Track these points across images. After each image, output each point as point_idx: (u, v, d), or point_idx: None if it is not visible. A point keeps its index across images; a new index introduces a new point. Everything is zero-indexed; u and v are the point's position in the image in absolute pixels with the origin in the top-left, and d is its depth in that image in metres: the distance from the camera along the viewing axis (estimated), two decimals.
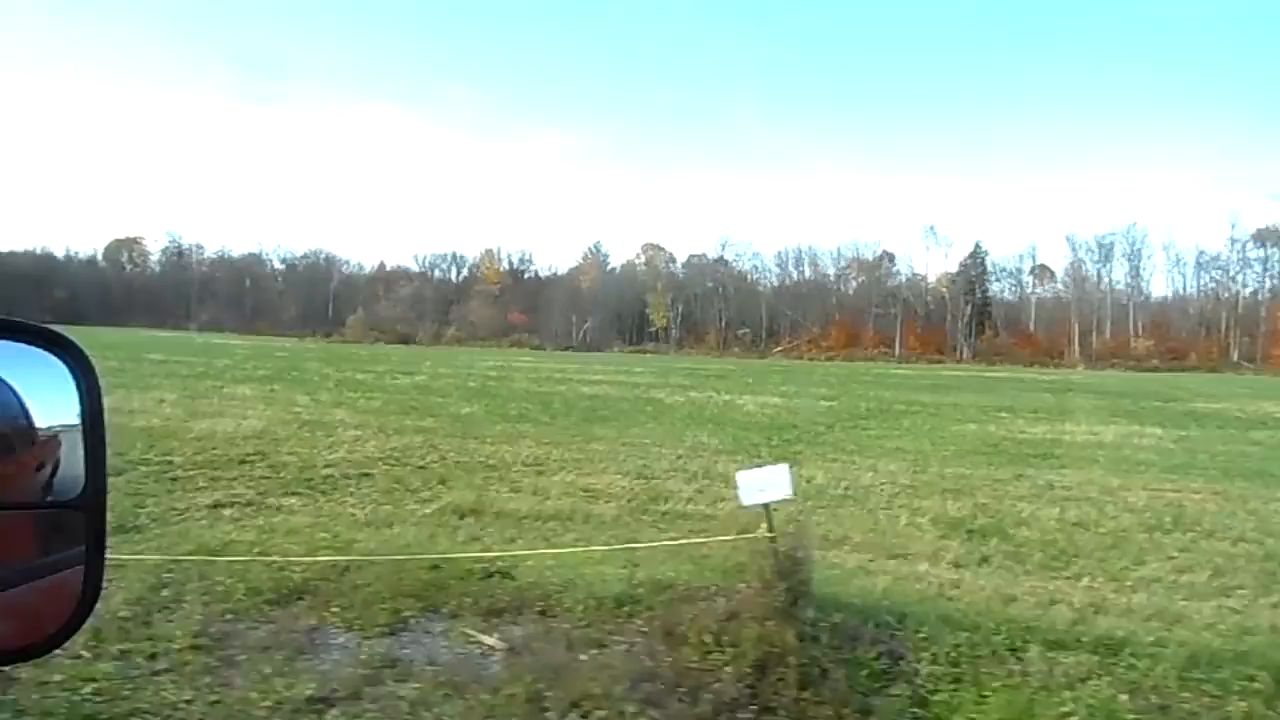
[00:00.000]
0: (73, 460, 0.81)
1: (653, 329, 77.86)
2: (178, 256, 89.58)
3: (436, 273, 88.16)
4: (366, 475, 8.85)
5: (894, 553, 6.61)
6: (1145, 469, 11.88)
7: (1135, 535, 7.52)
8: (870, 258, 79.46)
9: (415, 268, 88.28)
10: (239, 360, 31.07)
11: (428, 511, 7.08)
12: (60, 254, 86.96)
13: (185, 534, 5.95)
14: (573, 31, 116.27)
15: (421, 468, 9.43)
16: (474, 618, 4.33)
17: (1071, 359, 64.72)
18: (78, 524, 0.80)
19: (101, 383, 0.84)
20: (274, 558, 5.10)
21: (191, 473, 8.50)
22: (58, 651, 3.06)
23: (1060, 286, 78.05)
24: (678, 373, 37.12)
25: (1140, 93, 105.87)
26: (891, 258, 79.85)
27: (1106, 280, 73.05)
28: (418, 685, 3.48)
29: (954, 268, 76.06)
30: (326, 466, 9.19)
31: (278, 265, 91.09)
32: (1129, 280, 72.95)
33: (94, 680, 3.29)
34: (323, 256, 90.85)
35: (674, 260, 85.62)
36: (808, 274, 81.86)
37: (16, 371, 0.78)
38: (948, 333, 71.41)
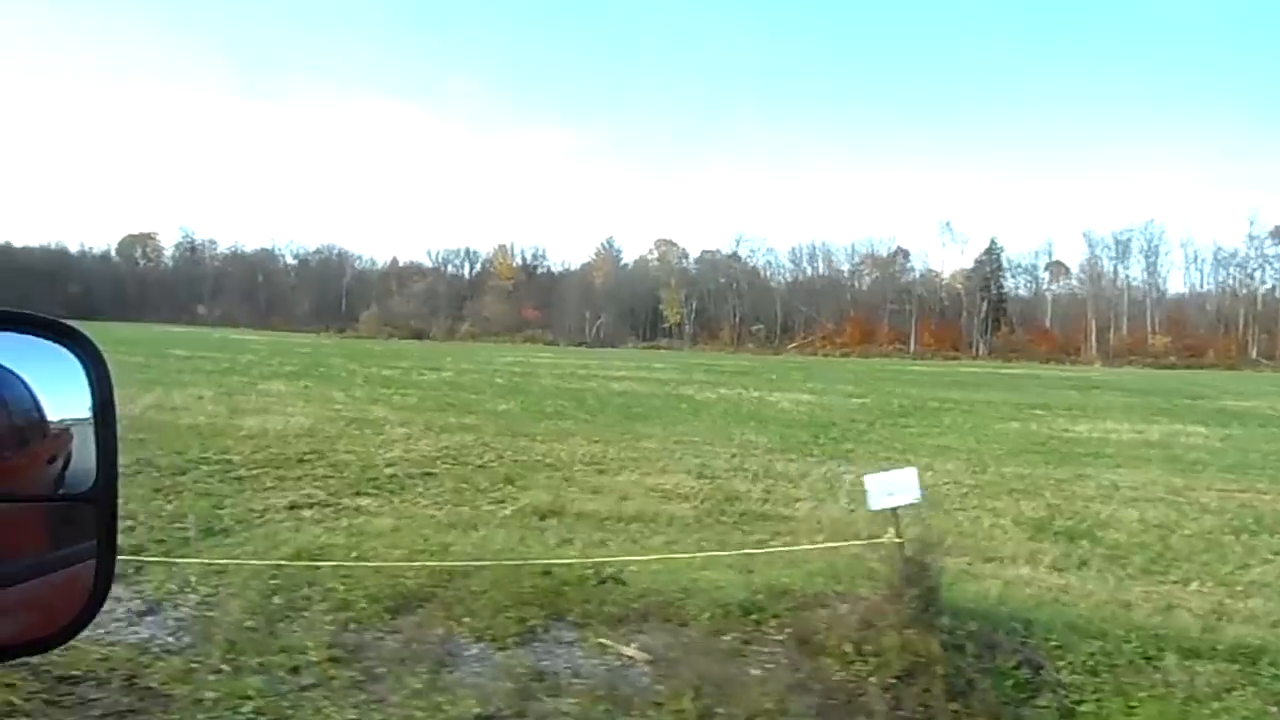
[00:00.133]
0: (84, 453, 0.80)
1: (666, 325, 77.64)
2: (191, 252, 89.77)
3: (449, 268, 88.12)
4: (429, 475, 8.75)
5: (988, 556, 6.48)
6: (1202, 469, 11.70)
7: (1223, 538, 7.36)
8: (884, 254, 79.09)
9: (428, 263, 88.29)
10: (262, 356, 31.06)
11: (507, 513, 6.97)
12: (74, 249, 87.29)
13: (273, 536, 5.85)
14: (582, 26, 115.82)
15: (481, 467, 9.32)
16: (601, 626, 4.21)
17: (1088, 356, 64.30)
18: (89, 517, 0.79)
19: (113, 376, 0.82)
20: (380, 563, 4.99)
21: (254, 472, 8.41)
22: (196, 666, 2.94)
23: (1075, 283, 77.60)
24: (698, 369, 36.99)
25: (1157, 89, 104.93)
26: (906, 254, 79.47)
27: (1123, 277, 72.57)
28: (574, 700, 3.36)
29: (969, 264, 75.67)
30: (387, 466, 9.09)
31: (290, 260, 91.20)
32: (1145, 277, 72.46)
33: (249, 698, 3.18)
34: (335, 252, 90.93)
35: (687, 256, 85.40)
36: (822, 270, 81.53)
37: (28, 364, 0.77)
38: (963, 329, 71.03)
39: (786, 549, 5.64)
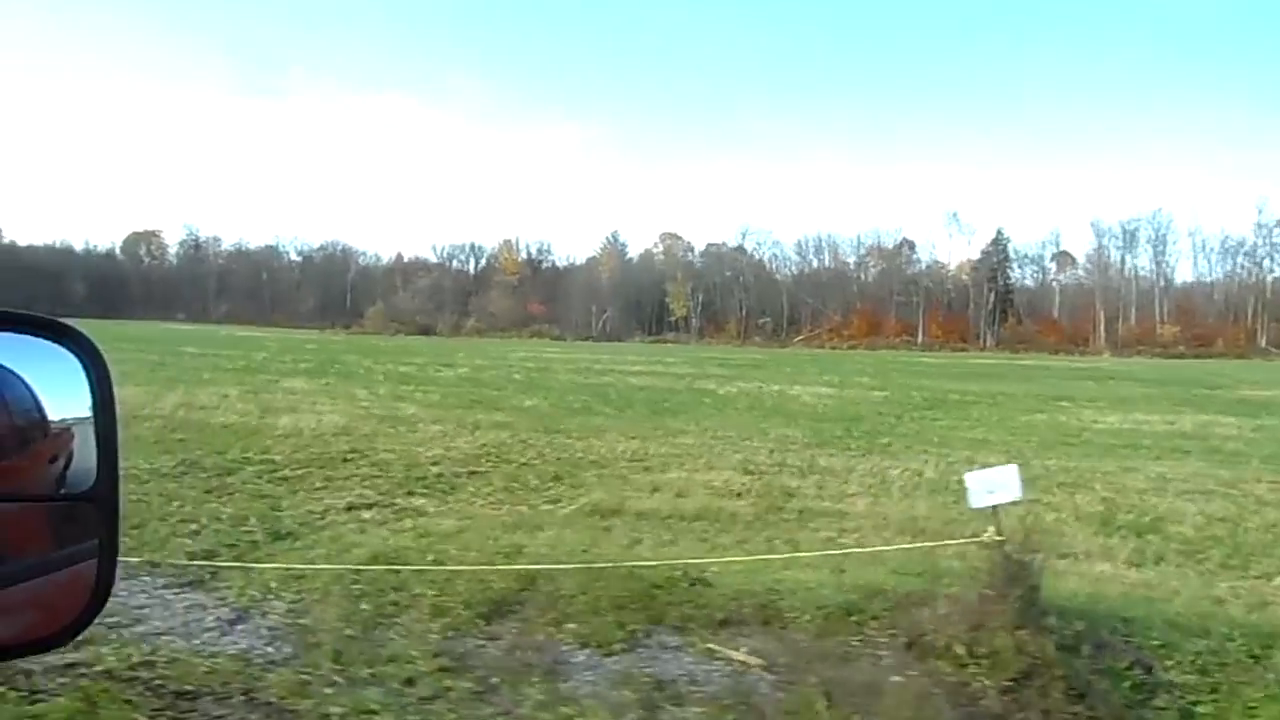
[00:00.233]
0: (85, 453, 0.80)
1: (672, 318, 77.58)
2: (195, 249, 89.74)
3: (455, 263, 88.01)
4: (475, 473, 8.64)
5: (1061, 552, 6.34)
6: (1243, 460, 11.58)
7: None
8: (890, 246, 78.90)
9: (433, 259, 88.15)
10: (274, 353, 30.98)
11: (567, 512, 6.87)
12: (79, 247, 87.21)
13: (340, 539, 5.75)
14: (585, 20, 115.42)
15: (526, 465, 9.21)
16: (702, 630, 4.11)
17: (1097, 346, 64.20)
18: (91, 516, 0.80)
19: (113, 375, 0.82)
20: (461, 566, 4.89)
21: (300, 472, 8.30)
22: (309, 678, 2.83)
23: (1081, 273, 77.41)
24: (710, 363, 36.89)
25: (1164, 78, 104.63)
26: (912, 245, 79.32)
27: (1131, 267, 72.38)
28: (702, 710, 3.26)
29: (976, 255, 75.51)
30: (432, 464, 8.99)
31: (294, 257, 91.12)
32: (1153, 266, 72.25)
33: (374, 712, 3.07)
34: (339, 248, 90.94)
35: (692, 249, 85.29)
36: (827, 262, 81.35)
37: (29, 364, 0.77)
38: (971, 320, 70.91)
39: (877, 549, 5.52)
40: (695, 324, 76.64)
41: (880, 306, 73.95)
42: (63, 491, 0.81)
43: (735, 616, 4.28)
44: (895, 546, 5.52)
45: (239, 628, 4.03)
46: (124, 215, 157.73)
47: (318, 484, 7.74)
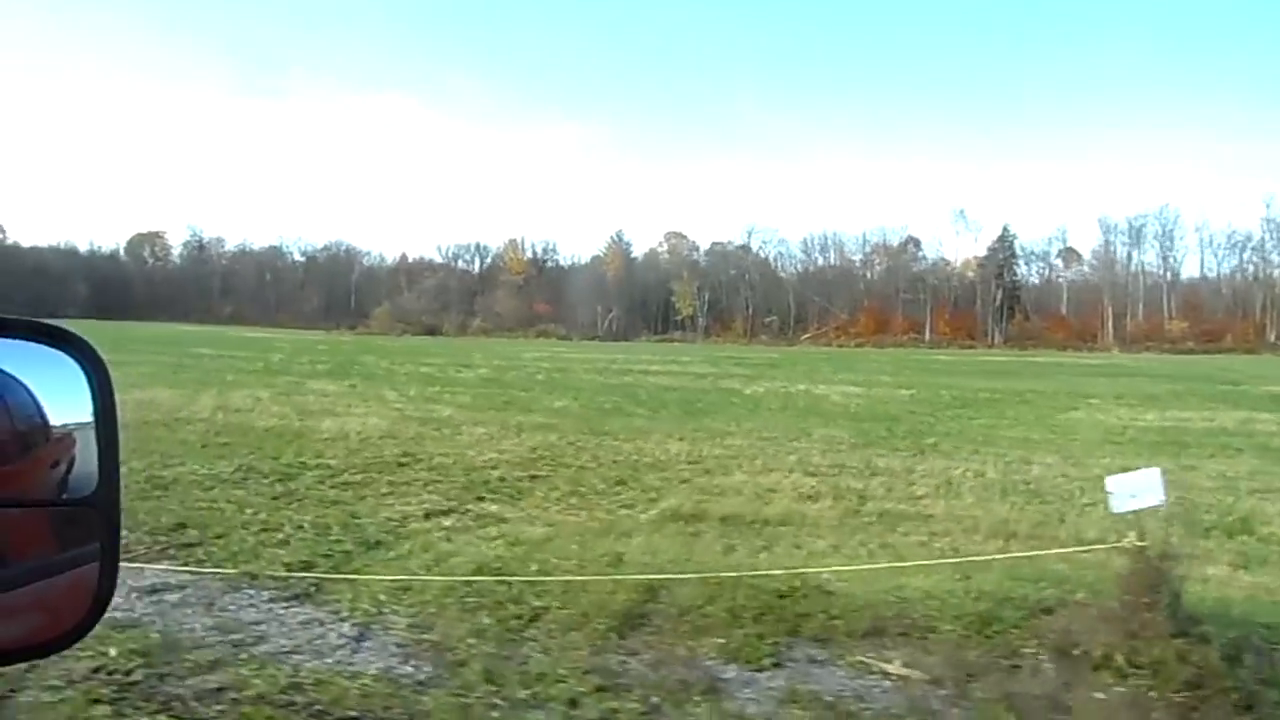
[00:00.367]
0: (87, 458, 0.80)
1: (679, 317, 77.39)
2: (199, 250, 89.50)
3: (460, 263, 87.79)
4: (536, 477, 8.49)
5: (1162, 555, 6.20)
6: None
7: None
8: (895, 243, 78.76)
9: (438, 259, 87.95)
10: (288, 355, 30.81)
11: (648, 517, 6.71)
12: (83, 249, 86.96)
13: (432, 547, 5.59)
14: (586, 19, 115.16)
15: (583, 468, 9.05)
16: (843, 639, 3.96)
17: (1105, 342, 64.06)
18: (92, 521, 0.80)
19: (113, 380, 0.82)
20: (573, 576, 4.74)
21: (360, 477, 8.15)
22: (467, 699, 2.67)
23: (1087, 269, 77.28)
24: (725, 362, 36.73)
25: (1171, 73, 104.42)
26: (917, 243, 79.17)
27: (1138, 262, 72.23)
28: None
29: (982, 252, 75.35)
30: (489, 468, 8.84)
31: (298, 257, 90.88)
32: (1160, 262, 72.12)
33: None
34: (343, 248, 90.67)
35: (697, 248, 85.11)
36: (833, 260, 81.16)
37: (31, 370, 0.78)
38: (978, 317, 70.74)
39: (1014, 556, 5.36)
40: (701, 323, 76.47)
41: (887, 304, 73.80)
42: (64, 496, 0.81)
43: (872, 627, 4.13)
44: (1027, 553, 5.35)
45: (366, 644, 3.88)
46: (128, 216, 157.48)
47: (383, 489, 7.58)
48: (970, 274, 75.10)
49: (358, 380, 19.84)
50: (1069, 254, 78.04)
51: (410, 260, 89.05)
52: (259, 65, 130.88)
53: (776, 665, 3.71)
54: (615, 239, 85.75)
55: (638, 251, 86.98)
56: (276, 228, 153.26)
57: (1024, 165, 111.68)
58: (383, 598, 4.47)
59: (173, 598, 4.45)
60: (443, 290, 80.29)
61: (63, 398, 0.80)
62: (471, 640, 3.84)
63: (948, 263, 78.33)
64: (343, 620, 4.18)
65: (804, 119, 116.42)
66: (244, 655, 3.63)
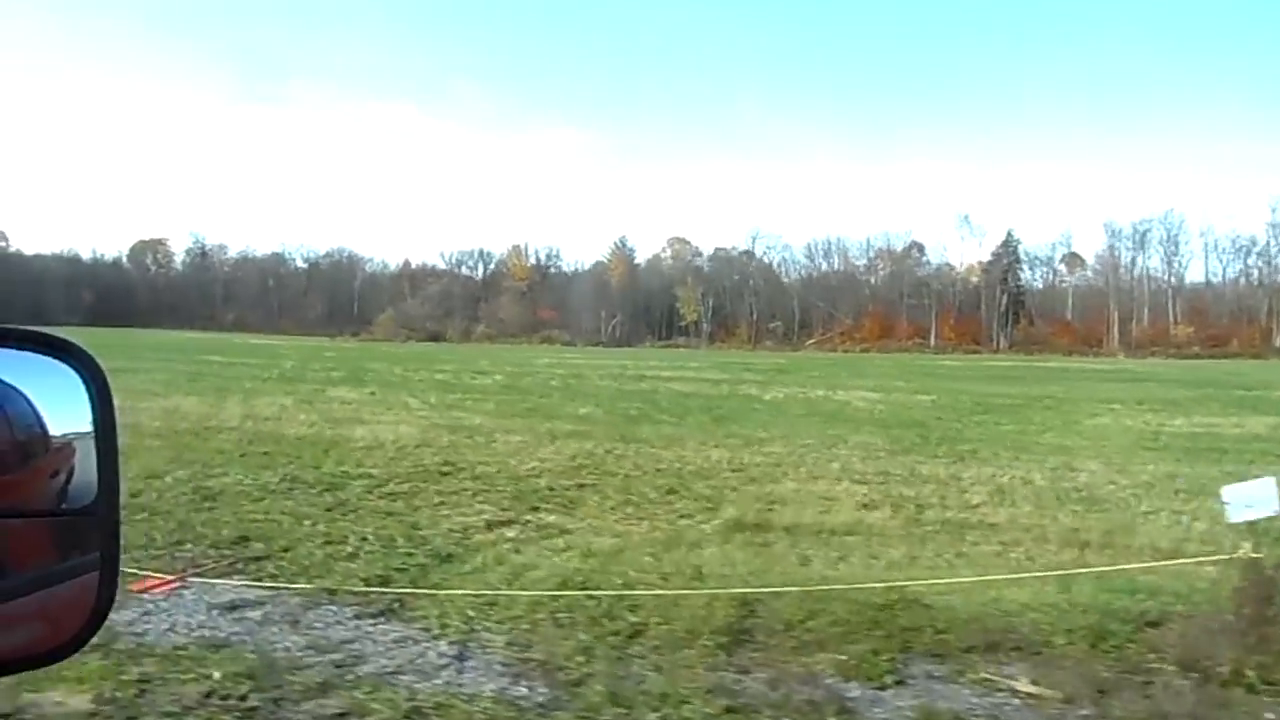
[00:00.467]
0: (86, 468, 0.80)
1: (683, 323, 77.31)
2: (201, 257, 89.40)
3: (463, 269, 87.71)
4: (584, 486, 8.36)
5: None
6: None
7: None
8: (899, 248, 78.78)
9: (441, 265, 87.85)
10: (300, 362, 30.65)
11: (711, 527, 6.58)
12: (86, 256, 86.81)
13: (505, 559, 5.47)
14: (586, 25, 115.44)
15: (629, 476, 8.92)
16: (959, 655, 3.85)
17: (1111, 348, 64.02)
18: (92, 531, 0.80)
19: (112, 390, 0.82)
20: (661, 590, 4.62)
21: (405, 487, 8.02)
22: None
23: (1090, 274, 77.30)
24: (735, 368, 36.65)
25: (1175, 78, 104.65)
26: (921, 248, 79.18)
27: (1143, 267, 72.25)
28: None
29: (986, 257, 75.38)
30: (533, 477, 8.72)
31: (300, 264, 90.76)
32: (1165, 267, 72.15)
33: None
34: (345, 255, 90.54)
35: (700, 254, 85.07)
36: (837, 265, 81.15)
37: (30, 380, 0.78)
38: (983, 322, 70.71)
39: (1122, 568, 5.24)
40: (706, 329, 76.38)
41: (891, 310, 73.78)
42: (64, 506, 0.80)
43: (984, 641, 4.01)
44: (1132, 565, 5.23)
45: (469, 664, 3.76)
46: (130, 224, 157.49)
47: (435, 500, 7.45)
48: (974, 279, 75.10)
49: (376, 388, 19.71)
50: (1072, 259, 78.12)
51: (413, 266, 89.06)
52: (260, 72, 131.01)
53: (899, 683, 3.60)
54: (619, 244, 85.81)
55: (641, 257, 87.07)
56: (279, 234, 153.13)
57: (1028, 170, 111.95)
58: (470, 613, 4.35)
59: (254, 614, 4.33)
60: (446, 296, 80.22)
61: (62, 407, 0.80)
62: (579, 659, 3.72)
63: (951, 268, 78.42)
64: (436, 638, 4.05)
65: (807, 123, 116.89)
66: (350, 677, 3.51)
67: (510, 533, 6.29)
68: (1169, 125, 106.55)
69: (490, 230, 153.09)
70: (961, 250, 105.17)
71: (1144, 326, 66.94)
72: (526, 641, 3.97)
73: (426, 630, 4.14)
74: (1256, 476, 9.83)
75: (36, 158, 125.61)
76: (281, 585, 4.76)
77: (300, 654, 3.79)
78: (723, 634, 4.03)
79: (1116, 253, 72.84)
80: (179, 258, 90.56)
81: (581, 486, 8.34)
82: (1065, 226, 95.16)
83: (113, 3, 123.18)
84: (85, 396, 0.81)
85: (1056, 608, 4.42)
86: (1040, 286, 78.51)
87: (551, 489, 8.12)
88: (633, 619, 4.21)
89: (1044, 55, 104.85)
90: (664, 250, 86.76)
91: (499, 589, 4.74)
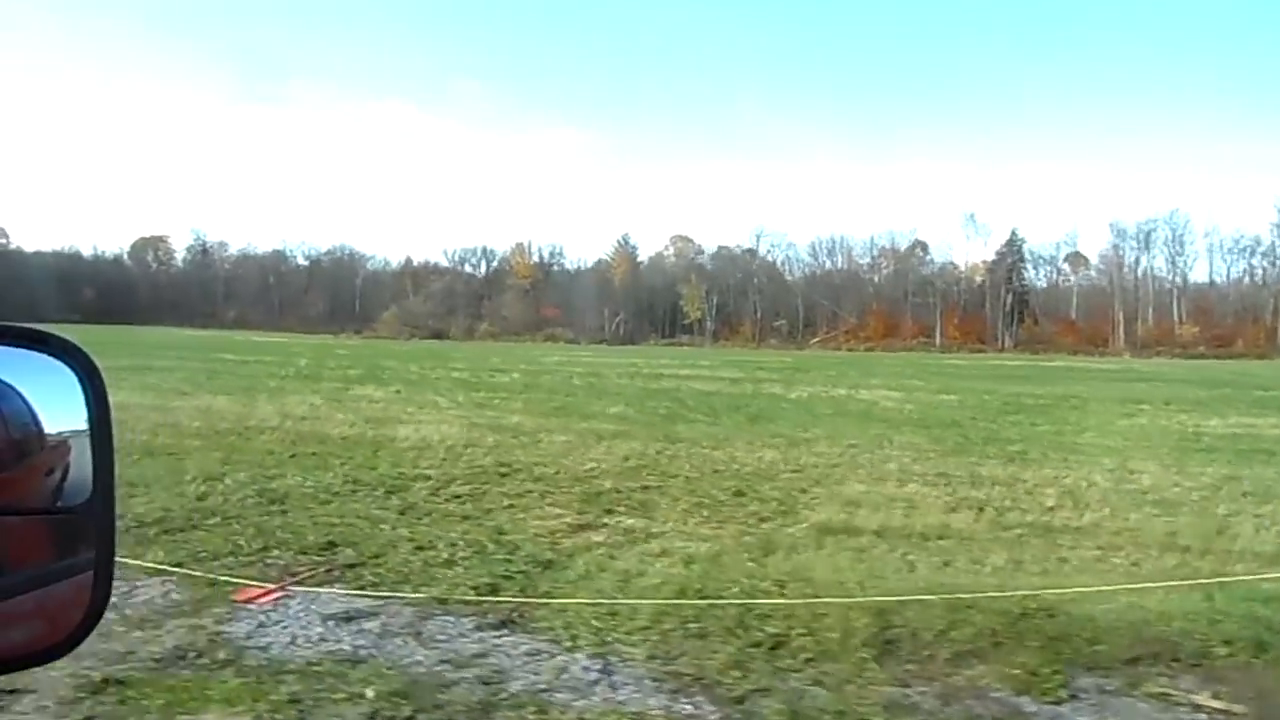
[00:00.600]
0: (81, 466, 0.80)
1: (686, 321, 77.15)
2: (202, 254, 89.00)
3: (466, 267, 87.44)
4: (648, 488, 8.19)
5: None
6: None
7: None
8: (903, 247, 78.72)
9: (444, 262, 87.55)
10: (313, 360, 30.45)
11: (802, 530, 6.43)
12: (87, 253, 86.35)
13: (606, 565, 5.29)
14: (584, 25, 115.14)
15: (690, 479, 8.74)
16: (1125, 668, 3.70)
17: (1116, 347, 64.03)
18: (87, 529, 0.80)
19: (108, 388, 0.82)
20: (780, 600, 4.46)
21: (467, 489, 7.83)
22: None
23: (1094, 274, 77.32)
24: (747, 365, 36.53)
25: (1180, 76, 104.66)
26: (925, 247, 79.13)
27: (1147, 266, 72.27)
28: None
29: (990, 256, 75.34)
30: (593, 478, 8.55)
31: (302, 261, 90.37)
32: (1169, 266, 72.17)
33: None
34: (347, 252, 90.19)
35: (703, 252, 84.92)
36: (841, 264, 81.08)
37: (26, 378, 0.78)
38: (988, 321, 70.67)
39: (1244, 578, 5.09)
40: (710, 326, 76.23)
41: (895, 308, 73.71)
42: (59, 504, 0.81)
43: (1141, 652, 3.86)
44: (1256, 575, 5.08)
45: (617, 679, 3.59)
46: (131, 221, 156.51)
47: (503, 502, 7.28)
48: (979, 278, 75.07)
49: (399, 386, 19.52)
50: (1076, 258, 78.13)
51: (416, 264, 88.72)
52: (261, 70, 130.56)
53: (1074, 698, 3.44)
54: (621, 242, 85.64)
55: (644, 255, 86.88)
56: (280, 232, 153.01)
57: (1032, 169, 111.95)
58: (595, 623, 4.19)
59: (371, 626, 4.16)
60: (449, 294, 79.97)
61: (58, 406, 0.79)
62: (734, 673, 3.56)
63: (955, 266, 78.37)
64: (570, 650, 3.89)
65: (809, 122, 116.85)
66: (503, 695, 3.35)
67: (596, 537, 6.13)
68: (1173, 125, 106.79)
69: (493, 228, 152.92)
70: (966, 249, 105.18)
71: (1149, 326, 66.96)
72: (667, 654, 3.81)
73: (556, 642, 3.98)
74: None
75: (37, 155, 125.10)
76: (388, 594, 4.59)
77: (438, 669, 3.62)
78: (870, 645, 3.87)
79: (1121, 252, 72.89)
80: (180, 255, 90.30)
81: (646, 488, 8.18)
82: (1069, 226, 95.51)
83: (114, 1, 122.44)
84: (81, 395, 0.81)
85: (1201, 616, 4.28)
86: (1044, 286, 78.54)
87: (617, 491, 7.96)
88: (770, 630, 4.05)
89: (1048, 54, 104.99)
90: (667, 248, 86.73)
91: (615, 598, 4.58)
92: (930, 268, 78.12)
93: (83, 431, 0.81)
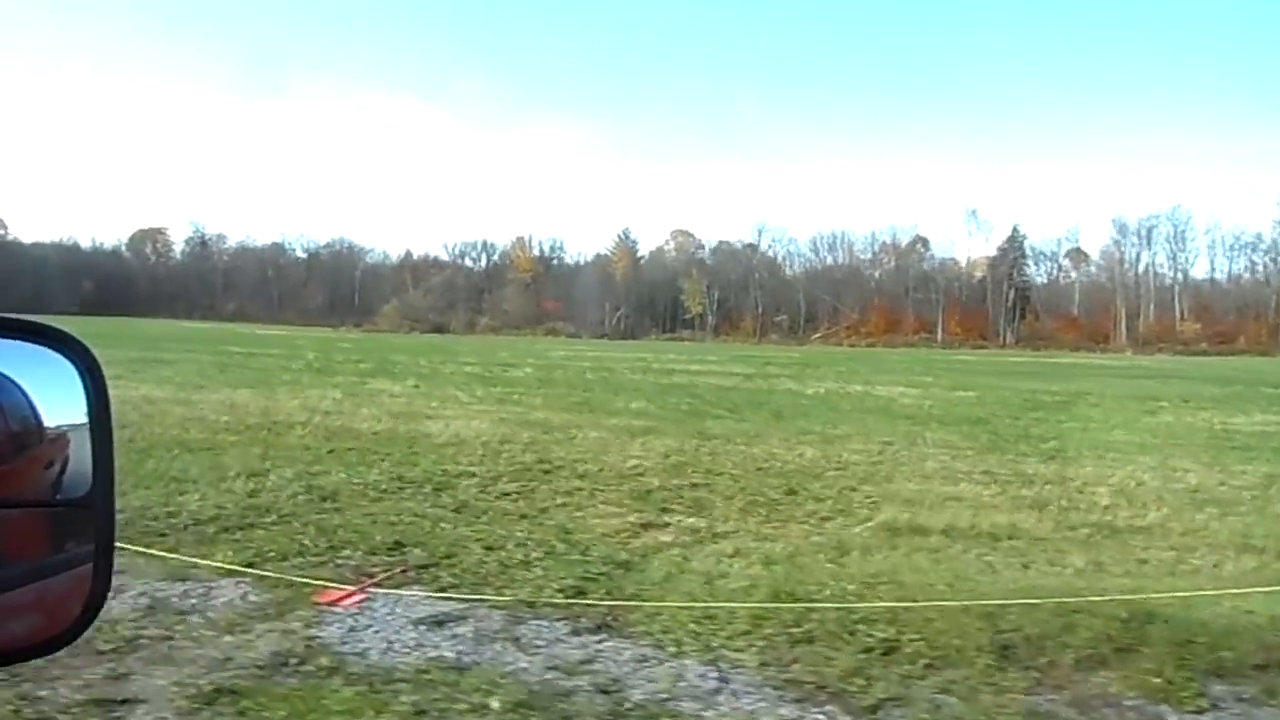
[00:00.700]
0: (81, 458, 0.79)
1: (687, 316, 77.02)
2: (201, 246, 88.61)
3: (466, 261, 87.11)
4: (696, 486, 8.08)
5: None
6: None
7: None
8: (905, 243, 78.66)
9: (444, 256, 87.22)
10: (322, 353, 30.27)
11: (863, 532, 6.31)
12: (85, 245, 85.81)
13: (684, 567, 5.18)
14: (586, 19, 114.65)
15: (737, 476, 8.61)
16: (1258, 675, 3.59)
17: (1118, 343, 64.10)
18: (87, 522, 0.79)
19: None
20: (875, 604, 4.35)
21: (515, 486, 7.70)
22: None
23: (1094, 270, 77.41)
24: (754, 361, 36.42)
25: (1182, 72, 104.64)
26: (926, 242, 79.09)
27: (1148, 263, 72.35)
28: None
29: (992, 252, 75.33)
30: (638, 475, 8.42)
31: (300, 254, 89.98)
32: (1170, 263, 72.26)
33: None
34: (346, 245, 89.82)
35: (703, 247, 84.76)
36: (842, 259, 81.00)
37: (25, 371, 0.78)
38: (989, 317, 70.70)
39: None
40: (711, 321, 76.12)
41: (896, 304, 73.69)
42: (59, 497, 0.80)
43: (1268, 660, 3.76)
44: None
45: (736, 687, 3.47)
46: (130, 213, 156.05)
47: (556, 500, 7.15)
48: (979, 274, 75.07)
49: (415, 380, 19.35)
50: (1077, 254, 78.19)
51: (416, 258, 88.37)
52: (260, 63, 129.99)
53: (1214, 707, 3.33)
54: (622, 237, 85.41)
55: (644, 249, 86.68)
56: (278, 224, 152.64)
57: (1033, 166, 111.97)
58: (694, 628, 4.07)
59: (464, 630, 4.03)
60: (450, 288, 79.71)
61: (58, 398, 0.79)
62: (858, 680, 3.44)
63: (956, 262, 78.35)
64: (677, 656, 3.76)
65: (810, 119, 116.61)
66: (628, 705, 3.23)
67: (664, 537, 6.00)
68: (1175, 121, 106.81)
69: (493, 222, 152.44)
70: (967, 245, 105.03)
71: (1150, 323, 67.07)
72: (779, 661, 3.69)
73: (660, 648, 3.86)
74: None
75: (36, 147, 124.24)
76: (472, 597, 4.46)
77: (549, 677, 3.50)
78: (986, 651, 3.76)
79: (1122, 248, 72.96)
80: (178, 247, 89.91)
81: (695, 486, 8.06)
82: (1071, 222, 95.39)
83: None
84: (81, 388, 0.80)
85: None
86: (1045, 282, 78.59)
87: (666, 489, 7.83)
88: (879, 635, 3.93)
89: (1050, 51, 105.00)
90: (667, 243, 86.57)
91: (705, 601, 4.46)
92: (931, 263, 78.15)
93: (82, 424, 0.80)
